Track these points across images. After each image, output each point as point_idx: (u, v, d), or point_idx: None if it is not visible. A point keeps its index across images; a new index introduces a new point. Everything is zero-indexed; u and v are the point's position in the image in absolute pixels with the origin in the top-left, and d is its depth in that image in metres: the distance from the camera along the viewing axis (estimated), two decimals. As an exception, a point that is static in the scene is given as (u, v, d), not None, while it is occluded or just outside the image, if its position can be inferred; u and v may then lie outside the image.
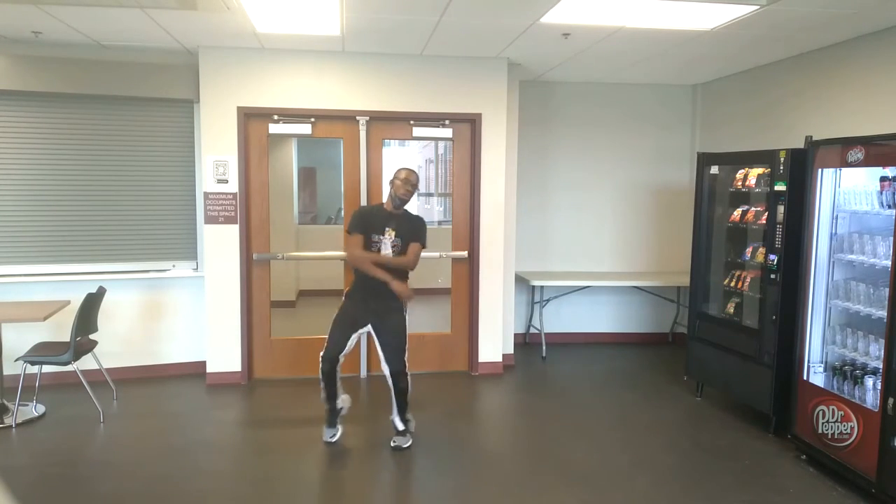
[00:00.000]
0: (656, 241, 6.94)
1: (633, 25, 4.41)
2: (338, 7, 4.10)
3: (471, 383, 5.69)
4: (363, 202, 5.58)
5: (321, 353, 4.11)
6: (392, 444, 4.20)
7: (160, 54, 5.34)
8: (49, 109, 5.27)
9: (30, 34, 4.87)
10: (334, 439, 4.27)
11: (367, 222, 4.15)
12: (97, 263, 5.43)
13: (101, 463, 4.08)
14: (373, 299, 4.11)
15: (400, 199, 4.13)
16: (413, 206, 4.39)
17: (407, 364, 4.16)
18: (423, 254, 4.18)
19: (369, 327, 4.16)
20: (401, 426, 4.25)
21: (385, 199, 4.23)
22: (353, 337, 4.15)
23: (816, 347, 4.13)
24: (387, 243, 4.10)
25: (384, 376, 4.16)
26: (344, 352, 4.11)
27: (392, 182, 4.16)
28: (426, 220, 4.35)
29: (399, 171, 4.18)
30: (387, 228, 4.11)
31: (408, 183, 4.11)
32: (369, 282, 4.07)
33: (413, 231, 4.16)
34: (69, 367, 4.67)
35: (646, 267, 6.94)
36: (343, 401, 4.30)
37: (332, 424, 4.29)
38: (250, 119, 5.45)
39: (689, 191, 6.00)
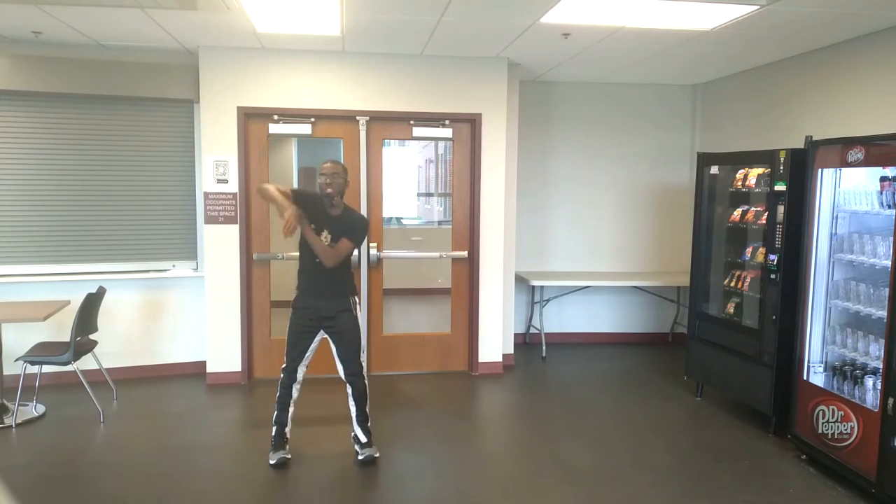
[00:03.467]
0: (656, 241, 6.93)
1: (633, 25, 4.41)
2: (338, 7, 4.10)
3: (471, 383, 5.68)
4: (363, 203, 5.58)
5: (282, 366, 3.98)
6: (360, 457, 3.98)
7: (160, 54, 5.35)
8: (49, 109, 5.27)
9: (30, 34, 4.87)
10: (274, 462, 3.93)
11: (308, 206, 3.83)
12: (97, 263, 5.43)
13: (101, 463, 4.08)
14: (319, 300, 3.92)
15: (327, 197, 3.84)
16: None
17: (364, 366, 4.02)
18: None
19: (322, 333, 3.98)
20: (364, 437, 4.02)
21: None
22: (311, 346, 3.98)
23: (816, 347, 4.13)
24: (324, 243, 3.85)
25: (374, 377, 4.07)
26: (304, 361, 3.98)
27: (319, 182, 3.85)
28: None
29: (318, 170, 3.86)
30: (324, 231, 3.86)
31: (330, 175, 3.80)
32: (312, 285, 3.94)
33: (345, 229, 3.88)
34: (69, 367, 4.67)
35: (646, 267, 6.94)
36: (284, 450, 4.01)
37: (279, 446, 3.98)
38: (250, 119, 5.45)
39: (689, 191, 6.01)
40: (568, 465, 4.06)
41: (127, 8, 4.11)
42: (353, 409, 4.04)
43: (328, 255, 3.83)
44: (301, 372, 4.01)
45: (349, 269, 4.04)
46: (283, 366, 4.00)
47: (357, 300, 4.05)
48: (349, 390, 4.01)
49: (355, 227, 3.95)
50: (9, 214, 5.28)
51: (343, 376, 4.00)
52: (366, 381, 4.05)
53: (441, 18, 4.34)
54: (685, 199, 6.40)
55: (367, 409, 4.07)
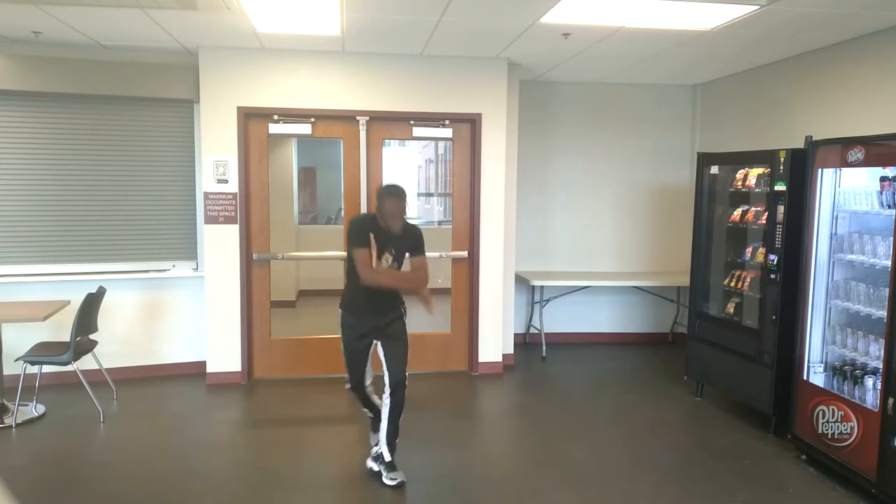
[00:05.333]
0: (656, 241, 6.93)
1: (633, 25, 4.41)
2: (338, 7, 4.10)
3: (471, 383, 5.69)
4: (363, 202, 5.58)
5: (347, 386, 3.85)
6: (389, 482, 3.73)
7: (160, 54, 5.35)
8: (49, 109, 5.27)
9: (30, 34, 4.87)
10: (395, 482, 3.74)
11: (375, 234, 3.69)
12: (97, 263, 5.43)
13: (101, 463, 4.08)
14: (375, 315, 3.77)
15: (393, 230, 3.71)
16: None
17: (406, 375, 3.79)
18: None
19: (376, 341, 3.81)
20: (389, 455, 3.76)
21: (367, 209, 3.73)
22: (369, 356, 3.85)
23: (816, 347, 4.13)
24: (384, 266, 3.73)
25: (375, 377, 3.88)
26: (369, 378, 3.86)
27: (380, 213, 3.66)
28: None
29: (383, 198, 3.66)
30: (385, 253, 3.71)
31: (398, 216, 3.66)
32: (370, 301, 3.75)
33: (409, 245, 3.80)
34: (69, 367, 4.67)
35: (646, 267, 6.94)
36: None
37: (392, 467, 3.79)
38: (250, 119, 5.45)
39: (689, 191, 6.00)
40: (568, 465, 4.07)
41: (127, 8, 4.11)
42: (384, 422, 3.76)
43: (424, 280, 3.82)
44: (368, 381, 3.86)
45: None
46: (348, 386, 3.84)
47: (406, 307, 3.92)
48: (387, 401, 3.74)
49: (419, 240, 3.83)
50: (9, 214, 5.28)
51: (387, 384, 3.73)
52: (405, 393, 3.78)
53: (441, 18, 4.34)
54: (685, 199, 6.39)
55: (399, 423, 3.80)
